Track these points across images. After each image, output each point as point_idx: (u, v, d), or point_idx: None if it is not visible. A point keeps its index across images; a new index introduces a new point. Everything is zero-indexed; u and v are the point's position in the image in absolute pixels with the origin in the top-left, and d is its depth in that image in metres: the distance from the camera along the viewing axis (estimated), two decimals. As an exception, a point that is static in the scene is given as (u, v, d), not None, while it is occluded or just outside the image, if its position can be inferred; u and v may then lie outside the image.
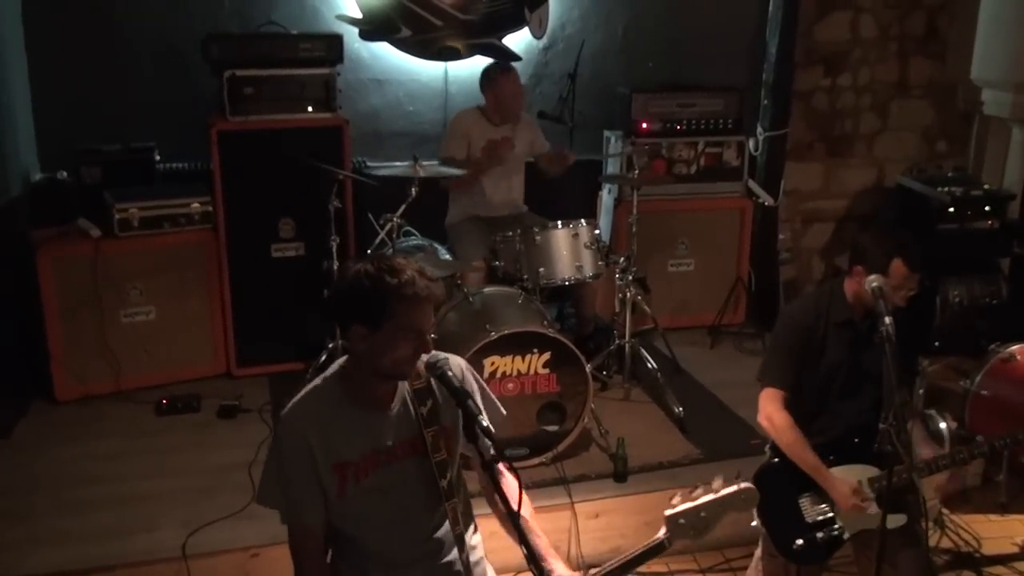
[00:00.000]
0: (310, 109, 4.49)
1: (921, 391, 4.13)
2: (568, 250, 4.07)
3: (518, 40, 5.22)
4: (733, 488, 2.01)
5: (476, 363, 3.53)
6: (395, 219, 4.02)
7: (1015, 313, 5.01)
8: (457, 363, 2.12)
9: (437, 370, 2.00)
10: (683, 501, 2.00)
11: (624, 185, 4.91)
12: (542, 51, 5.30)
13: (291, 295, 4.53)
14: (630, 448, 3.68)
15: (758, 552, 3.01)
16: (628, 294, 4.31)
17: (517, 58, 5.20)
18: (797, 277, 5.81)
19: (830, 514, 2.80)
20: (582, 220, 4.12)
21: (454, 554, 2.15)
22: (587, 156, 5.09)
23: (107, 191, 4.34)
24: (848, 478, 2.76)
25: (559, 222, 4.11)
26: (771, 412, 2.81)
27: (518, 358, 3.64)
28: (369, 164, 4.94)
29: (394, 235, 4.06)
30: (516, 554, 2.03)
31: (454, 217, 4.78)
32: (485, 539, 2.30)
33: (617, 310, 4.40)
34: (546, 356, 3.66)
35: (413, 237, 4.85)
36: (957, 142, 5.86)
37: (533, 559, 1.93)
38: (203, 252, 4.43)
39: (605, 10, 5.36)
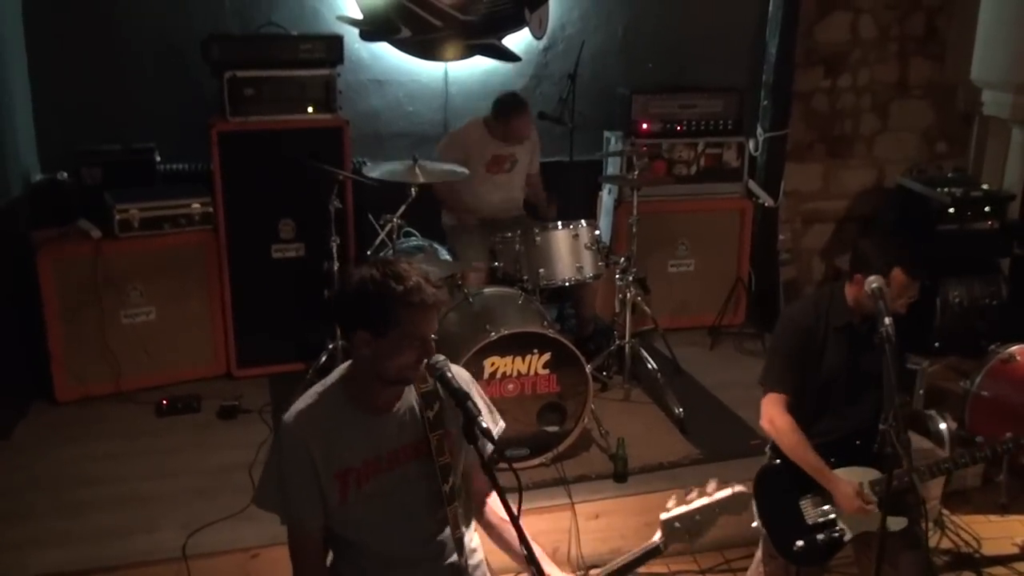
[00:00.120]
0: (310, 110, 4.49)
1: (921, 392, 4.13)
2: (568, 251, 4.07)
3: (518, 41, 5.22)
4: (727, 491, 2.01)
5: (476, 364, 3.54)
6: (395, 220, 4.02)
7: (1015, 314, 5.02)
8: (462, 374, 2.13)
9: (436, 371, 2.00)
10: (678, 504, 2.00)
11: (624, 186, 4.91)
12: (542, 52, 5.30)
13: (291, 296, 4.53)
14: (630, 449, 3.68)
15: (759, 553, 3.01)
16: (628, 295, 4.31)
17: (517, 59, 5.21)
18: (797, 278, 5.82)
19: (831, 516, 2.80)
20: (582, 221, 4.12)
21: (455, 557, 2.15)
22: (587, 157, 5.10)
23: (107, 192, 4.34)
24: (850, 480, 2.76)
25: (559, 223, 4.12)
26: (773, 415, 2.81)
27: (518, 359, 3.64)
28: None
29: (394, 236, 4.06)
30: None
31: (453, 218, 4.78)
32: (484, 541, 2.30)
33: (617, 311, 4.40)
34: (546, 357, 3.66)
35: (413, 238, 4.86)
36: (957, 143, 5.86)
37: (533, 560, 1.93)
38: (203, 253, 4.43)
39: (605, 11, 5.36)
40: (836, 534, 2.79)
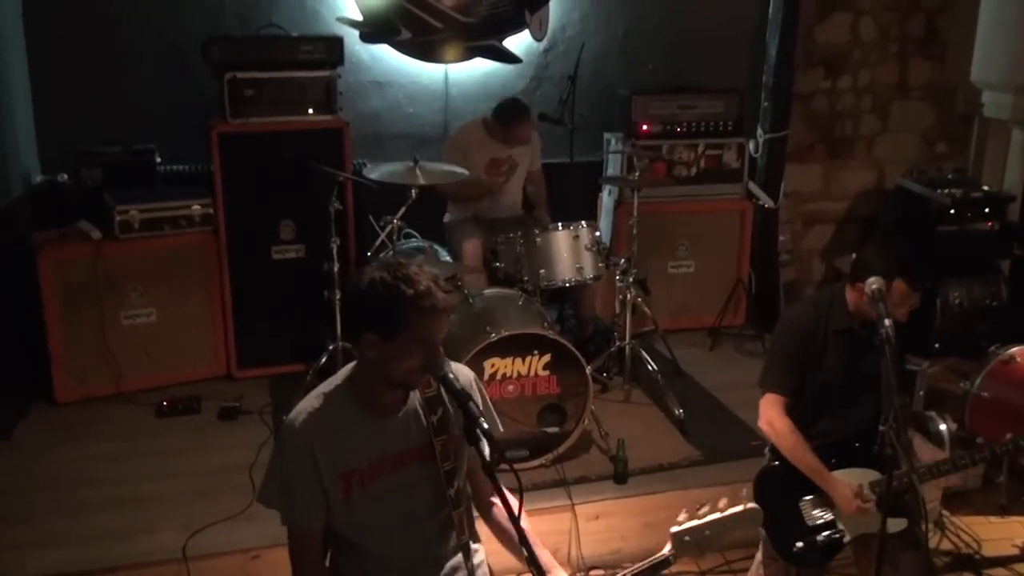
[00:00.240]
0: (311, 111, 4.49)
1: (921, 393, 4.13)
2: (568, 252, 4.07)
3: (518, 42, 5.22)
4: (739, 508, 2.02)
5: (476, 365, 3.54)
6: (395, 221, 4.02)
7: (1015, 315, 5.01)
8: (465, 373, 2.13)
9: (438, 372, 2.00)
10: (689, 519, 2.01)
11: (624, 187, 4.91)
12: (542, 53, 5.30)
13: (291, 297, 4.53)
14: (630, 450, 3.68)
15: (759, 555, 3.01)
16: (628, 296, 4.31)
17: (517, 60, 5.21)
18: (797, 279, 5.82)
19: (831, 517, 2.80)
20: (582, 222, 4.12)
21: (458, 559, 2.16)
22: (587, 158, 5.09)
23: (108, 193, 4.34)
24: (849, 481, 2.76)
25: (559, 224, 4.12)
26: (772, 417, 2.81)
27: (518, 360, 3.64)
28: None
29: (394, 237, 4.06)
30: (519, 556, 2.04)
31: (454, 217, 4.78)
32: (485, 542, 2.30)
33: (617, 312, 4.40)
34: (546, 358, 3.67)
35: (413, 239, 4.86)
36: (957, 144, 5.86)
37: (534, 561, 1.93)
38: (203, 254, 4.43)
39: (605, 12, 5.37)
40: (836, 535, 2.79)
